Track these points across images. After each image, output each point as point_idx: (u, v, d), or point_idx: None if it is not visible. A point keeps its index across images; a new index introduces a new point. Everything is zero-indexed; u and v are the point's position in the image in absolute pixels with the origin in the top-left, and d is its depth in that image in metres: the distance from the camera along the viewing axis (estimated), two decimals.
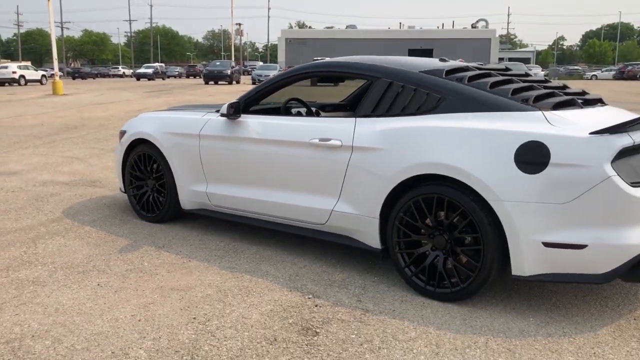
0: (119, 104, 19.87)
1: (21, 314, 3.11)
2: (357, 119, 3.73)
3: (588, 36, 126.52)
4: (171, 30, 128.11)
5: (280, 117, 4.18)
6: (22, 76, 39.57)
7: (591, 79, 58.23)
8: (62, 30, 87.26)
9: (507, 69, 4.07)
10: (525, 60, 77.88)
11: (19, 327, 2.96)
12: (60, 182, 6.63)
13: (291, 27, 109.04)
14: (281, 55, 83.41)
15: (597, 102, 3.73)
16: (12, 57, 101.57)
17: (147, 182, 5.04)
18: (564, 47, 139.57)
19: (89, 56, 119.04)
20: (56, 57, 27.73)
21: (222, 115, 4.35)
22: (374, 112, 3.69)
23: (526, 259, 3.04)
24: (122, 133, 5.20)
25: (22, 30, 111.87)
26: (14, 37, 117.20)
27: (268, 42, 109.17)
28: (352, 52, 75.01)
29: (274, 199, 4.10)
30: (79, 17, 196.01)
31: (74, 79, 60.20)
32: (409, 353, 2.72)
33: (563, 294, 3.44)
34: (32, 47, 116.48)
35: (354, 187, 3.66)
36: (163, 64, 66.77)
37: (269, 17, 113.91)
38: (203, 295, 3.38)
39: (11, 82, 38.91)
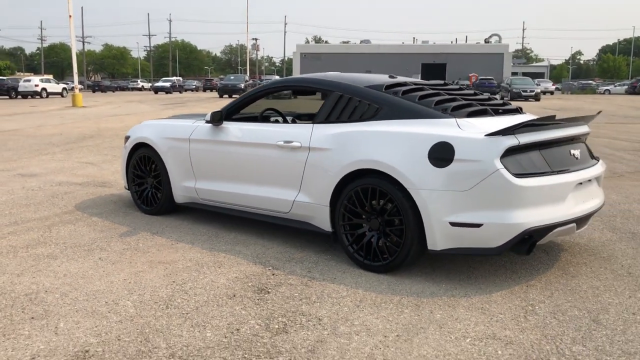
0: (135, 116, 20.89)
1: (37, 277, 3.93)
2: (315, 124, 4.53)
3: (604, 51, 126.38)
4: (190, 44, 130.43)
5: (256, 124, 4.99)
6: (44, 89, 41.05)
7: (604, 93, 58.45)
8: (83, 44, 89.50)
9: (445, 84, 4.85)
10: (539, 75, 78.14)
11: (35, 286, 3.77)
12: (74, 183, 7.50)
13: (308, 41, 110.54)
14: (296, 70, 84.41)
15: (514, 111, 4.50)
16: (36, 71, 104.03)
17: (146, 180, 5.87)
18: (581, 61, 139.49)
19: (109, 70, 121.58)
20: (76, 71, 28.97)
21: (207, 122, 5.18)
22: (327, 119, 4.48)
23: (437, 236, 3.79)
24: (127, 138, 6.04)
25: (45, 45, 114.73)
26: (37, 52, 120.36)
27: (284, 56, 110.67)
28: (365, 67, 75.95)
29: (249, 192, 4.90)
30: (100, 31, 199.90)
31: (94, 92, 61.81)
32: (336, 305, 3.48)
33: (479, 268, 4.17)
34: (54, 60, 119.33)
35: (310, 181, 4.45)
36: (180, 78, 68.29)
37: (285, 31, 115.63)
38: (183, 267, 4.18)
39: (34, 94, 40.40)
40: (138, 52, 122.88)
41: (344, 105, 4.44)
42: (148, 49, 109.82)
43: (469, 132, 3.79)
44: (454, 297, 3.63)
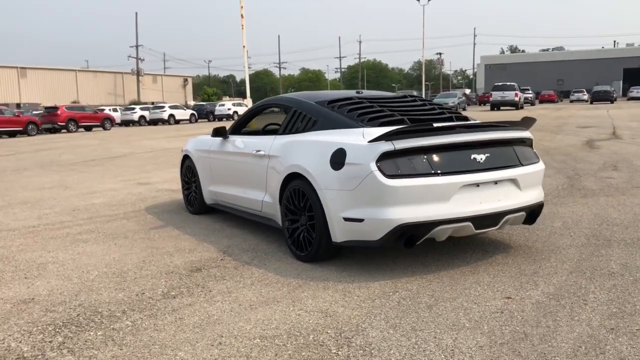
0: None
1: (57, 253, 5.30)
2: (276, 136, 5.35)
3: None
4: (379, 63, 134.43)
5: (248, 137, 5.94)
6: (236, 112, 46.12)
7: None
8: (279, 69, 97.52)
9: (399, 98, 5.34)
10: None
11: (51, 258, 5.13)
12: (170, 190, 9.10)
13: (503, 52, 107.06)
14: (480, 81, 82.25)
15: (449, 119, 4.86)
16: (243, 96, 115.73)
17: (191, 186, 7.13)
18: None
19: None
20: (249, 93, 32.41)
21: (213, 136, 6.27)
22: (284, 131, 5.28)
23: (336, 230, 4.38)
24: (182, 151, 7.39)
25: (251, 72, 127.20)
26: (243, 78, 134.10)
27: (473, 68, 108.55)
28: (555, 76, 71.61)
29: (239, 193, 5.85)
30: (296, 57, 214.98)
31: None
32: (237, 283, 4.26)
33: (392, 260, 4.62)
34: (259, 85, 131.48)
35: (270, 183, 5.27)
36: None
37: (474, 44, 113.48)
38: (165, 252, 5.26)
39: (227, 117, 45.56)
40: (328, 74, 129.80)
41: (296, 118, 5.20)
42: (339, 70, 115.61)
43: (361, 139, 4.33)
44: (345, 282, 4.18)
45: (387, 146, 4.14)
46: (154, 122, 43.00)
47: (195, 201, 6.97)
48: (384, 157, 4.14)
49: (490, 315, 3.46)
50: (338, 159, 4.34)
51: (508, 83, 43.55)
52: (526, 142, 4.85)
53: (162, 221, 6.64)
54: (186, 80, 79.94)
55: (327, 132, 4.73)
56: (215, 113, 46.36)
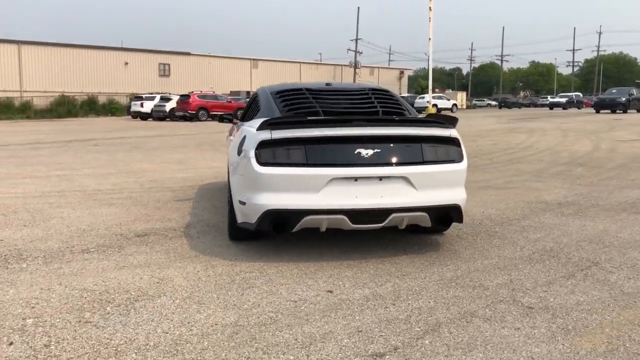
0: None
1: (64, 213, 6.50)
2: (240, 122, 5.85)
3: None
4: (623, 57, 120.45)
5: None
6: (435, 105, 45.84)
7: None
8: (501, 62, 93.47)
9: (348, 91, 5.42)
10: None
11: (58, 213, 6.34)
12: None
13: None
14: None
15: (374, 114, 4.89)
16: (467, 89, 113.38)
17: None
18: None
19: (534, 86, 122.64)
20: (431, 87, 32.01)
21: (219, 121, 6.94)
22: (243, 118, 5.77)
23: (237, 212, 4.77)
24: None
25: (476, 65, 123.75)
26: (472, 71, 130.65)
27: None
28: None
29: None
30: (525, 49, 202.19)
31: (499, 108, 64.47)
32: (166, 254, 4.93)
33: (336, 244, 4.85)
34: (482, 79, 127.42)
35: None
36: (580, 94, 64.81)
37: None
38: (150, 219, 6.12)
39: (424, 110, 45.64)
40: (557, 67, 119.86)
41: (254, 107, 5.65)
42: (572, 64, 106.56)
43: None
44: (200, 257, 4.61)
45: (265, 135, 4.41)
46: (418, 111, 44.84)
47: None
48: (263, 145, 4.41)
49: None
50: (240, 145, 4.72)
51: None
52: (448, 141, 4.62)
53: (168, 204, 7.53)
54: (402, 72, 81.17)
55: (256, 121, 5.09)
56: (415, 105, 46.59)
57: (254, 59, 65.98)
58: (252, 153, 4.43)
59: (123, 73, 55.05)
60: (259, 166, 4.38)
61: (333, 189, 4.32)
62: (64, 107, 48.16)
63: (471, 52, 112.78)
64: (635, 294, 3.78)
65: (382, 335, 3.10)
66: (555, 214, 6.31)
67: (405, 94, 69.00)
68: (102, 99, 50.31)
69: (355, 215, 4.35)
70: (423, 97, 46.98)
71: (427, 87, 77.26)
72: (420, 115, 5.24)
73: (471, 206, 6.75)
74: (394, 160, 4.43)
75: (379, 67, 79.93)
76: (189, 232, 5.57)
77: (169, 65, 59.06)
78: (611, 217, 6.12)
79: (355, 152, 4.38)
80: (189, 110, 33.74)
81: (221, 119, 6.98)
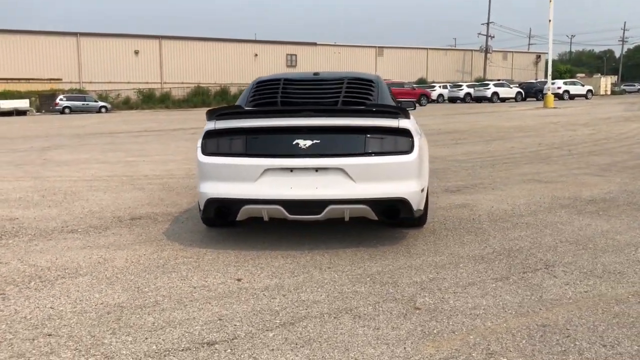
0: (587, 116, 20.96)
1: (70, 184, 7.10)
2: None
3: None
4: None
5: None
6: (567, 91, 42.81)
7: None
8: None
9: (318, 81, 5.38)
10: None
11: (59, 186, 6.95)
12: None
13: None
14: None
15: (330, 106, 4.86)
16: (617, 73, 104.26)
17: None
18: None
19: None
20: (550, 73, 29.87)
21: None
22: None
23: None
24: None
25: (631, 46, 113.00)
26: (626, 53, 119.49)
27: None
28: None
29: None
30: None
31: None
32: (140, 236, 5.30)
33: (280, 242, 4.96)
34: (637, 62, 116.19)
35: None
36: None
37: None
38: (154, 203, 6.53)
39: (556, 97, 42.80)
40: None
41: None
42: None
43: None
44: (215, 253, 4.85)
45: (210, 125, 4.56)
46: (478, 99, 43.27)
47: None
48: (209, 135, 4.57)
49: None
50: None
51: None
52: (396, 132, 4.45)
53: None
54: (539, 57, 76.51)
55: None
56: (544, 92, 43.79)
57: (379, 47, 65.92)
58: (199, 143, 4.60)
59: (253, 64, 57.63)
60: (203, 156, 4.55)
61: (269, 179, 4.36)
62: (199, 98, 51.64)
63: (623, 33, 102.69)
64: (553, 300, 3.43)
65: (235, 325, 3.14)
66: (571, 212, 5.78)
67: (538, 79, 65.01)
68: (233, 90, 53.11)
69: (291, 205, 4.36)
70: (554, 83, 43.96)
71: (566, 71, 72.31)
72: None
73: (489, 200, 6.40)
74: (331, 151, 4.36)
75: (512, 52, 76.06)
76: (181, 217, 5.88)
77: (295, 55, 60.87)
78: (634, 217, 5.50)
79: (294, 143, 4.38)
80: None
81: None
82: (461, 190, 7.11)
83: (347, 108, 4.57)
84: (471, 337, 2.96)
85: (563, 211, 5.84)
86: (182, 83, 53.69)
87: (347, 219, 4.51)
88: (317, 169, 4.33)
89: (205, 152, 4.55)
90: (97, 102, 44.24)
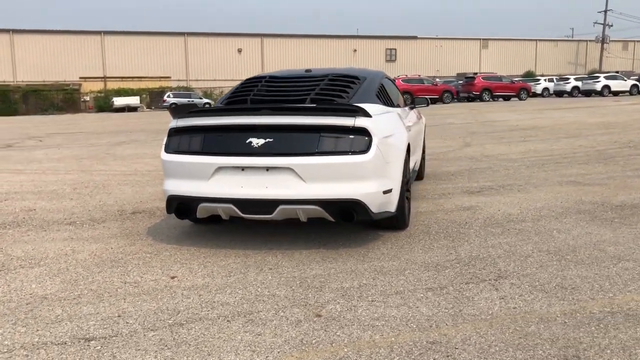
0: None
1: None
2: None
3: None
4: None
5: None
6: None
7: None
8: None
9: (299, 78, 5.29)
10: None
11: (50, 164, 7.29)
12: None
13: None
14: None
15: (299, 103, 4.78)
16: None
17: None
18: None
19: None
20: None
21: None
22: None
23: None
24: None
25: None
26: None
27: None
28: None
29: None
30: None
31: None
32: (124, 226, 5.52)
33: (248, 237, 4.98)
34: None
35: None
36: None
37: None
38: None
39: None
40: None
41: None
42: None
43: None
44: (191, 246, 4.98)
45: (173, 124, 4.63)
46: (587, 93, 40.49)
47: None
48: (171, 133, 4.64)
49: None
50: None
51: None
52: (352, 131, 4.27)
53: None
54: None
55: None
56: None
57: (483, 39, 63.59)
58: (164, 141, 4.69)
59: (351, 60, 57.74)
60: (164, 154, 4.63)
61: (221, 178, 4.36)
62: None
63: None
64: (470, 315, 3.14)
65: (128, 322, 3.16)
66: (582, 218, 5.26)
67: None
68: None
69: (243, 204, 4.32)
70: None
71: None
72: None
73: (502, 203, 5.99)
74: (283, 150, 4.27)
75: (634, 41, 70.30)
76: None
77: (395, 50, 60.21)
78: None
79: (247, 142, 4.33)
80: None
81: None
82: (482, 192, 6.69)
83: (301, 106, 4.45)
84: (345, 350, 2.78)
85: (574, 217, 5.32)
86: None
87: (302, 219, 4.40)
88: (267, 168, 4.26)
89: (167, 150, 4.63)
90: (201, 98, 46.32)
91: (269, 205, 4.27)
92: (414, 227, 5.08)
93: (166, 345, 2.88)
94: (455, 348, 2.77)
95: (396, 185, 4.61)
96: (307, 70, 5.63)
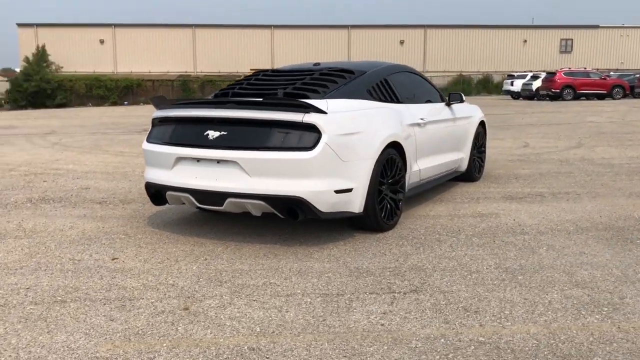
0: None
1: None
2: None
3: None
4: None
5: None
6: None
7: None
8: None
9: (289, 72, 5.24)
10: None
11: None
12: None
13: None
14: None
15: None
16: None
17: None
18: None
19: None
20: None
21: None
22: None
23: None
24: None
25: None
26: None
27: None
28: None
29: None
30: None
31: None
32: (126, 211, 5.95)
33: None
34: None
35: None
36: None
37: None
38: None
39: None
40: None
41: None
42: None
43: None
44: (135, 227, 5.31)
45: (156, 114, 4.88)
46: None
47: None
48: (154, 124, 4.90)
49: None
50: None
51: None
52: (302, 127, 4.16)
53: None
54: None
55: None
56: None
57: None
58: (149, 131, 4.96)
59: (520, 51, 54.60)
60: (145, 143, 4.90)
61: (181, 168, 4.51)
62: (459, 86, 50.99)
63: None
64: (331, 326, 2.93)
65: (26, 295, 3.44)
66: (599, 236, 4.56)
67: None
68: (496, 78, 51.13)
69: (197, 195, 4.43)
70: None
71: None
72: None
73: (526, 213, 5.41)
74: (232, 144, 4.30)
75: None
76: None
77: (571, 40, 55.62)
78: None
79: (205, 134, 4.43)
80: (552, 89, 31.43)
81: None
82: (524, 198, 6.04)
83: (256, 100, 4.40)
84: (164, 345, 2.77)
85: (591, 234, 4.62)
86: (445, 72, 53.54)
87: (254, 213, 4.39)
88: (218, 161, 4.32)
89: (148, 139, 4.89)
90: None
91: (219, 197, 4.33)
92: (398, 231, 4.78)
93: (27, 319, 3.10)
94: (266, 357, 2.63)
95: (360, 185, 4.39)
96: (315, 64, 5.54)
